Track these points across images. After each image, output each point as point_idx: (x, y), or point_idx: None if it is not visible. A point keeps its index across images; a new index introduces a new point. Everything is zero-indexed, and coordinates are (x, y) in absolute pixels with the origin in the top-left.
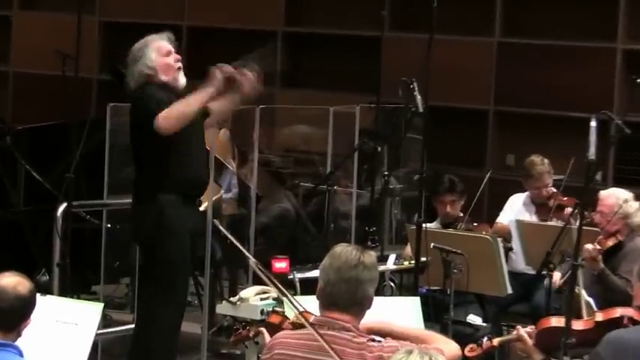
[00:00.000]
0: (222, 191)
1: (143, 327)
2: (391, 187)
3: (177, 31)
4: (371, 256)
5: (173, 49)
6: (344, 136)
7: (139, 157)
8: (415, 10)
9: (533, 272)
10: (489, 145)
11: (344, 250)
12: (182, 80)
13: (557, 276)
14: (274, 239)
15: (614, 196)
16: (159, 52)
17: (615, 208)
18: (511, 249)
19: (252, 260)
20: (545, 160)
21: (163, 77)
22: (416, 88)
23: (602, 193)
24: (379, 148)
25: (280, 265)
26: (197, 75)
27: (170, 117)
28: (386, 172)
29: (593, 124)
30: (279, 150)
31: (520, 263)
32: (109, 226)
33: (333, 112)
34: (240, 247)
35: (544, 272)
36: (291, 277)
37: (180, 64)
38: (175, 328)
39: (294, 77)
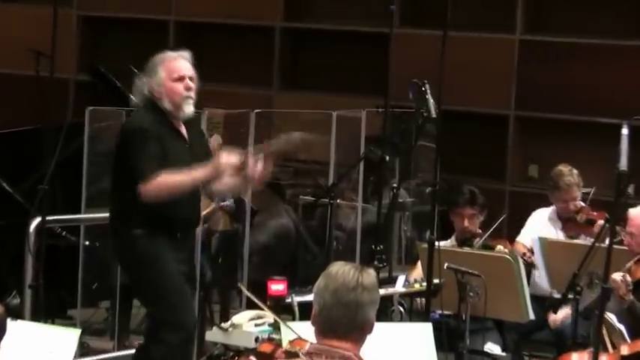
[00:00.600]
0: (214, 204)
1: (144, 349)
2: (400, 200)
3: (163, 27)
4: (370, 275)
5: (188, 74)
6: (348, 144)
7: (116, 182)
8: (427, 3)
9: (558, 296)
10: (509, 155)
11: (341, 270)
12: (188, 110)
13: (561, 314)
14: (272, 259)
15: None
16: (170, 75)
17: None
18: (534, 266)
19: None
20: (574, 171)
21: (167, 104)
22: (428, 91)
23: (632, 212)
24: (387, 158)
25: (277, 287)
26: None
27: (159, 189)
28: (395, 184)
29: (624, 131)
30: (276, 159)
31: (543, 285)
32: (86, 243)
33: (337, 116)
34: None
35: (570, 296)
36: (290, 300)
37: (191, 94)
38: (176, 350)
39: (293, 78)
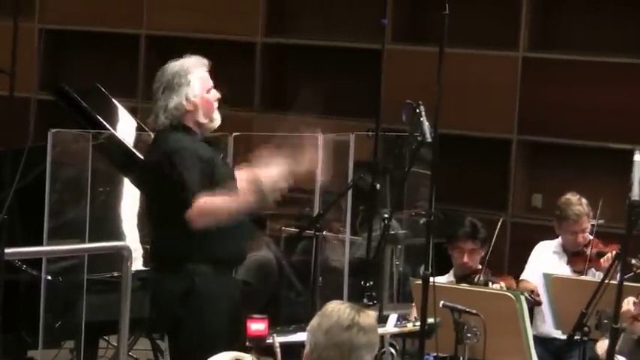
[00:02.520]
0: None
1: None
2: (392, 232)
3: (134, 41)
4: (369, 316)
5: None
6: (336, 170)
7: (164, 216)
8: (423, 17)
9: (564, 337)
10: (512, 183)
11: (336, 309)
12: (218, 120)
13: (603, 346)
14: (252, 296)
15: None
16: (204, 85)
17: None
18: (539, 303)
19: None
20: (584, 200)
21: (202, 118)
22: (423, 113)
23: None
24: (378, 185)
25: (257, 326)
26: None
27: (207, 214)
28: (386, 215)
29: (637, 157)
30: None
31: (549, 326)
32: (49, 277)
33: (323, 140)
34: None
35: (577, 337)
36: (271, 340)
37: (217, 104)
38: None
39: (275, 98)
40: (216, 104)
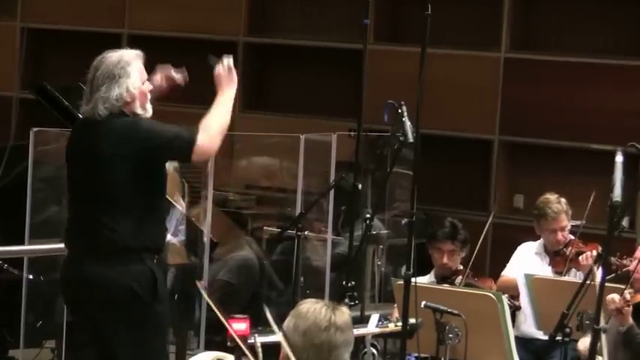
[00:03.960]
0: (169, 236)
1: None
2: (374, 232)
3: (116, 40)
4: (344, 314)
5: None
6: (317, 170)
7: (117, 204)
8: (405, 18)
9: (545, 337)
10: (493, 183)
11: (312, 309)
12: (150, 111)
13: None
14: (233, 296)
15: None
16: (142, 76)
17: None
18: (519, 308)
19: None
20: (562, 199)
21: (138, 109)
22: (405, 113)
23: None
24: (360, 185)
25: (239, 326)
26: None
27: (212, 134)
28: (368, 215)
29: (619, 158)
30: (238, 186)
31: (530, 326)
32: (30, 277)
33: (305, 140)
34: (223, 320)
35: (558, 338)
36: (252, 340)
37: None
38: None
39: (257, 98)
40: (149, 95)
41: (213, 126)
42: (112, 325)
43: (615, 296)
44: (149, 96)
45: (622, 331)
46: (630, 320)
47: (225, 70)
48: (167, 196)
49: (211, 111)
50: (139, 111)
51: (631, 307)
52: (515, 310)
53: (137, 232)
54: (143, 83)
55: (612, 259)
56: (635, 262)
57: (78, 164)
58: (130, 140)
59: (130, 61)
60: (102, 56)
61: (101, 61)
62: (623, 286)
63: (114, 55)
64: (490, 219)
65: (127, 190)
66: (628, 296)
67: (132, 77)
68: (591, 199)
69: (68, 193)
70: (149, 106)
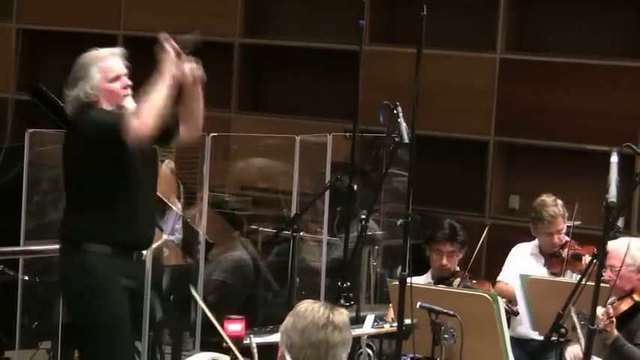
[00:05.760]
0: (165, 236)
1: None
2: (370, 233)
3: (111, 41)
4: (342, 314)
5: (123, 72)
6: (313, 171)
7: (75, 195)
8: (401, 18)
9: (540, 338)
10: (489, 184)
11: (310, 308)
12: (130, 105)
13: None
14: (228, 297)
15: (626, 245)
16: (105, 76)
17: (629, 260)
18: (516, 314)
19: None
20: (559, 201)
21: (106, 105)
22: (400, 114)
23: (612, 244)
24: (355, 186)
25: (234, 327)
26: (135, 94)
27: (142, 116)
28: (364, 216)
29: (614, 159)
30: (234, 187)
31: (525, 327)
32: (26, 278)
33: (301, 141)
34: (216, 324)
35: (554, 338)
36: (248, 341)
37: (128, 91)
38: None
39: (253, 99)
40: (124, 92)
41: (145, 110)
42: (67, 313)
43: (599, 312)
44: (124, 92)
45: (608, 344)
46: (615, 333)
47: (173, 56)
48: (162, 197)
49: (148, 94)
50: (110, 109)
51: (615, 321)
52: (512, 315)
53: (84, 223)
54: (112, 81)
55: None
56: (607, 271)
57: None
58: (77, 131)
59: (94, 60)
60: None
61: (75, 62)
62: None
63: (82, 57)
64: (485, 231)
65: (78, 181)
66: (611, 311)
67: (92, 79)
68: (576, 207)
69: None
70: (127, 103)
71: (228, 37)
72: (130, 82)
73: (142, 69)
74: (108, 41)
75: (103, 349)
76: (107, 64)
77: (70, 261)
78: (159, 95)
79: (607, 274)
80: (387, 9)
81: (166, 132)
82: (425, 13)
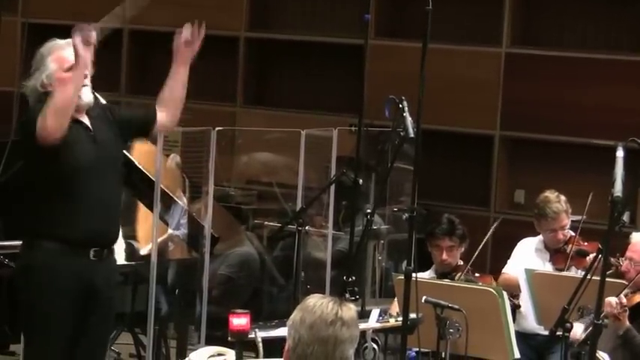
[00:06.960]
0: (170, 230)
1: None
2: (375, 227)
3: (116, 35)
4: (350, 309)
5: None
6: (318, 166)
7: (25, 192)
8: (406, 13)
9: (546, 333)
10: (494, 179)
11: (318, 303)
12: (87, 98)
13: (577, 329)
14: (234, 291)
15: None
16: (60, 65)
17: None
18: (518, 307)
19: None
20: (562, 197)
21: None
22: (406, 108)
23: (635, 236)
24: (361, 181)
25: (239, 321)
26: (140, 88)
27: (45, 115)
28: (369, 210)
29: (619, 153)
30: (239, 182)
31: (530, 322)
32: None
33: (306, 135)
34: None
35: (559, 333)
36: (253, 335)
37: (86, 81)
38: None
39: (258, 93)
40: (81, 82)
41: (48, 108)
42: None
43: (613, 300)
44: (81, 82)
45: (619, 334)
46: (627, 323)
47: (81, 47)
48: (167, 191)
49: (55, 93)
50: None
51: (627, 312)
52: (515, 308)
53: (33, 220)
54: (67, 72)
55: (612, 259)
56: (626, 262)
57: None
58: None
59: (48, 53)
60: None
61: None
62: (623, 281)
63: (41, 47)
64: (496, 224)
65: (25, 178)
66: (624, 300)
67: (48, 69)
68: (588, 201)
69: None
70: (83, 95)
71: (234, 31)
72: (88, 73)
73: (147, 62)
74: (112, 35)
75: (29, 348)
76: (63, 53)
77: (21, 257)
78: (63, 94)
79: (625, 266)
80: (392, 3)
81: (144, 124)
82: (430, 7)
